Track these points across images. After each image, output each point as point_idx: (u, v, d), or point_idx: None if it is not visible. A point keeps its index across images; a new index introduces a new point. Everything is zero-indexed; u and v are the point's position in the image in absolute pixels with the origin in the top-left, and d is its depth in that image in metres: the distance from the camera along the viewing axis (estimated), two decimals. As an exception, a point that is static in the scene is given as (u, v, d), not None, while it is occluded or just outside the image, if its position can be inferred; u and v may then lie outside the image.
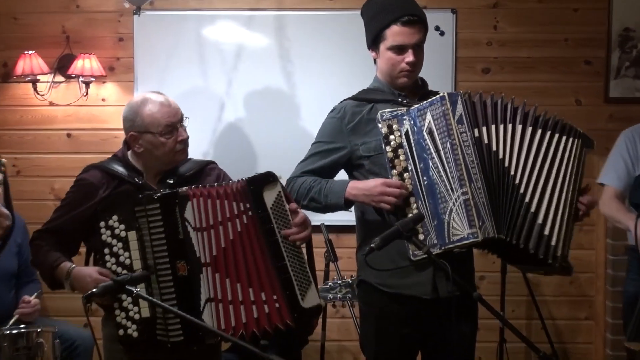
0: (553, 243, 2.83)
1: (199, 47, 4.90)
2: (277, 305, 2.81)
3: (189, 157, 3.11)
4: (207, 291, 2.81)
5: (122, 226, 2.83)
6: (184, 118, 3.01)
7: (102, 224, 2.85)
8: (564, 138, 2.89)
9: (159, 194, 2.84)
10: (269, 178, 2.83)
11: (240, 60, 4.89)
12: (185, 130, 3.01)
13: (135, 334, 2.80)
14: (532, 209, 2.83)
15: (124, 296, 2.78)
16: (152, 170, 3.03)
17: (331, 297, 3.41)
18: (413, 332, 3.02)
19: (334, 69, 4.87)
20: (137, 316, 2.80)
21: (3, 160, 2.63)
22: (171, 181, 2.99)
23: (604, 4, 4.87)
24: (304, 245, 2.89)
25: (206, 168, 3.11)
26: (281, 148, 4.80)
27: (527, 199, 2.84)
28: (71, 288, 2.91)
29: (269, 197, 2.82)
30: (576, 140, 2.90)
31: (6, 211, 2.63)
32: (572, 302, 4.99)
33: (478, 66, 4.93)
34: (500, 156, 2.84)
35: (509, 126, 2.86)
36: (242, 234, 2.83)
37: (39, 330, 3.64)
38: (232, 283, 2.82)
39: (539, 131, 2.87)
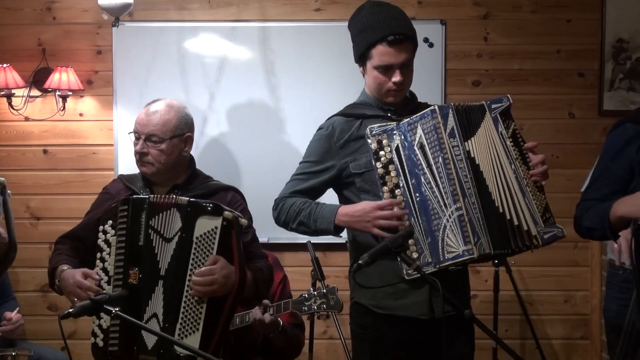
0: (526, 227, 2.83)
1: (181, 59, 4.90)
2: (159, 332, 2.76)
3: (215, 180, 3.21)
4: (155, 306, 2.82)
5: (113, 231, 2.91)
6: (156, 139, 3.05)
7: (100, 227, 2.93)
8: (483, 122, 2.88)
9: (131, 197, 2.91)
10: (211, 209, 2.80)
11: (223, 73, 4.90)
12: (147, 147, 3.05)
13: (101, 343, 2.85)
14: (501, 210, 2.83)
15: None
16: (155, 181, 3.13)
17: (306, 308, 3.40)
18: (409, 355, 3.00)
19: (320, 82, 4.88)
20: (104, 324, 2.85)
21: (2, 179, 2.67)
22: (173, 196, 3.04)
23: (596, 15, 4.90)
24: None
25: (220, 192, 3.14)
26: (266, 163, 4.82)
27: (497, 204, 2.84)
28: (59, 290, 2.95)
29: (202, 226, 2.79)
30: (485, 115, 2.88)
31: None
32: (567, 321, 5.01)
33: (468, 79, 4.96)
34: (481, 169, 2.85)
35: (479, 132, 2.87)
36: (174, 253, 2.84)
37: (13, 354, 3.63)
38: (164, 300, 2.83)
39: (481, 128, 2.87)
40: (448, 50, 4.91)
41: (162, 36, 4.91)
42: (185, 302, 2.77)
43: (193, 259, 2.78)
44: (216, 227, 2.78)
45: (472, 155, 2.84)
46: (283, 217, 3.04)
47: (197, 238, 2.78)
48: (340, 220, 2.92)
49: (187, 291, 2.78)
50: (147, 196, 2.91)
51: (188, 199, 2.84)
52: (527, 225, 2.83)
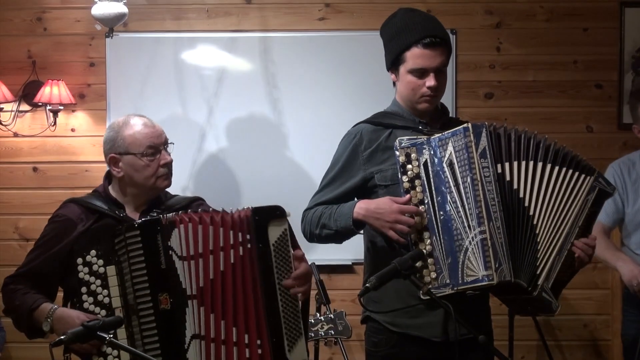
0: (538, 271, 2.87)
1: (177, 72, 4.91)
2: (259, 351, 2.79)
3: (174, 194, 3.14)
4: (193, 326, 2.79)
5: (101, 261, 2.81)
6: (169, 143, 3.05)
7: (79, 260, 2.81)
8: (576, 174, 2.93)
9: (139, 222, 2.84)
10: (276, 211, 2.83)
11: (222, 86, 4.91)
12: (170, 155, 3.04)
13: None
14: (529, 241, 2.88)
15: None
16: (134, 202, 3.05)
17: (312, 334, 3.38)
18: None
19: (324, 95, 4.87)
20: None
21: None
22: (155, 214, 2.98)
23: (615, 23, 4.91)
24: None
25: (193, 204, 3.12)
26: (267, 181, 4.80)
27: (538, 239, 2.87)
28: (51, 330, 2.85)
29: (274, 232, 2.82)
30: (588, 178, 2.94)
31: None
32: (587, 347, 4.98)
33: (480, 91, 4.96)
34: (521, 195, 2.87)
35: (531, 163, 2.90)
36: (236, 266, 2.81)
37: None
38: (217, 319, 2.79)
39: (556, 168, 2.91)
40: (459, 61, 4.92)
41: (158, 47, 4.92)
42: (283, 310, 2.81)
43: (276, 266, 2.82)
44: (285, 230, 2.84)
45: (508, 179, 2.87)
46: (308, 226, 3.08)
47: (274, 245, 2.83)
48: (358, 213, 2.94)
49: (280, 299, 2.81)
50: (156, 217, 2.88)
51: (251, 208, 2.85)
52: (541, 272, 2.87)
